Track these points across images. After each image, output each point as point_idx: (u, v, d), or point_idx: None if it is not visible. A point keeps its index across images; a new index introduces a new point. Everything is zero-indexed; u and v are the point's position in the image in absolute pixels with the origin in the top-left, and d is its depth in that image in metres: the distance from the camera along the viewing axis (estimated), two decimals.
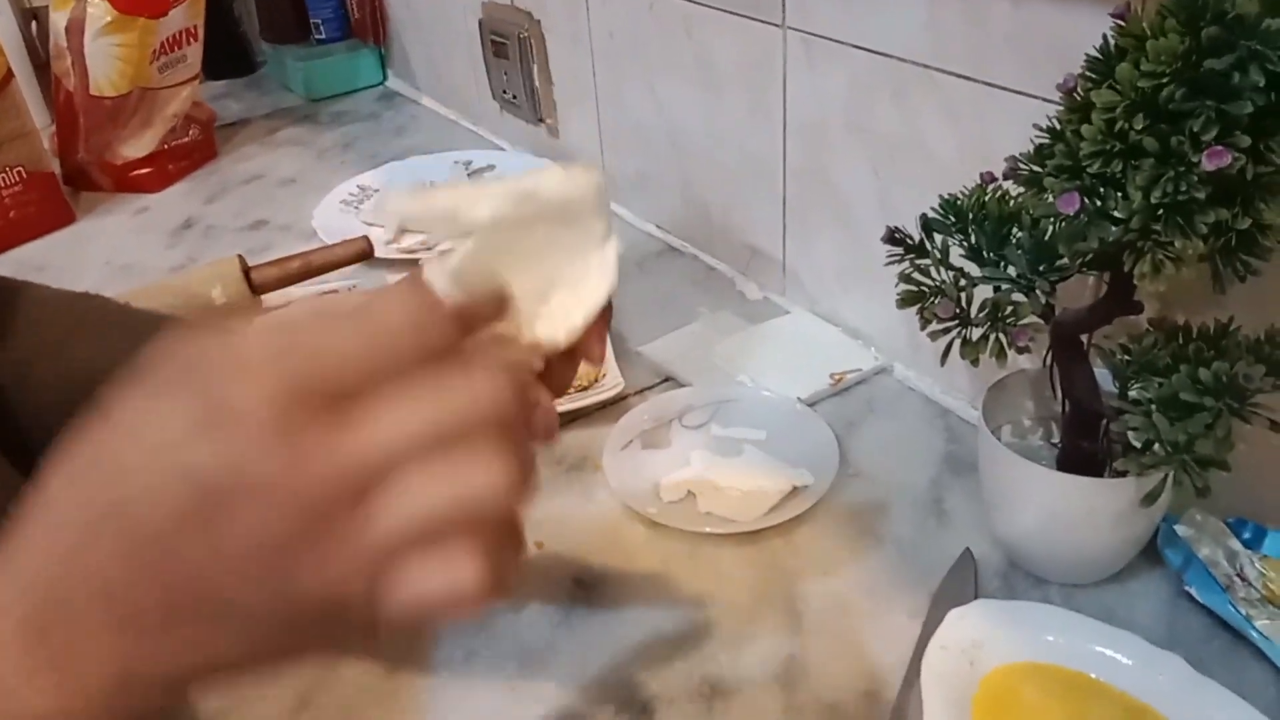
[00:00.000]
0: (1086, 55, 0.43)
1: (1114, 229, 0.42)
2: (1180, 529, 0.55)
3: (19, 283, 0.59)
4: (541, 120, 1.14)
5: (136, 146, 1.19)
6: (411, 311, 0.28)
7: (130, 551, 0.26)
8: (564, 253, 0.37)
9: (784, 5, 0.74)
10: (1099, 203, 0.42)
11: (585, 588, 0.60)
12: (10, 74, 1.04)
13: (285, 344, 0.26)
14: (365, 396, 0.26)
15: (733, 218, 0.90)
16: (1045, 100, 0.58)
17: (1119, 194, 0.41)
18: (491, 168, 1.15)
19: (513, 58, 1.12)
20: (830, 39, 0.71)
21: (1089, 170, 0.42)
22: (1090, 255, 0.47)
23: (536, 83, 1.11)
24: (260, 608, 0.26)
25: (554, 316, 0.37)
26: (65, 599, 0.26)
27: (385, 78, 1.51)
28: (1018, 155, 0.47)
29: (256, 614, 0.27)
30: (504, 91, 1.18)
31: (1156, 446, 0.46)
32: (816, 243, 0.81)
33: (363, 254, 0.89)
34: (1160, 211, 0.41)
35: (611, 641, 0.56)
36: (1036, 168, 0.46)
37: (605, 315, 0.37)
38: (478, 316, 0.30)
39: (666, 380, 0.78)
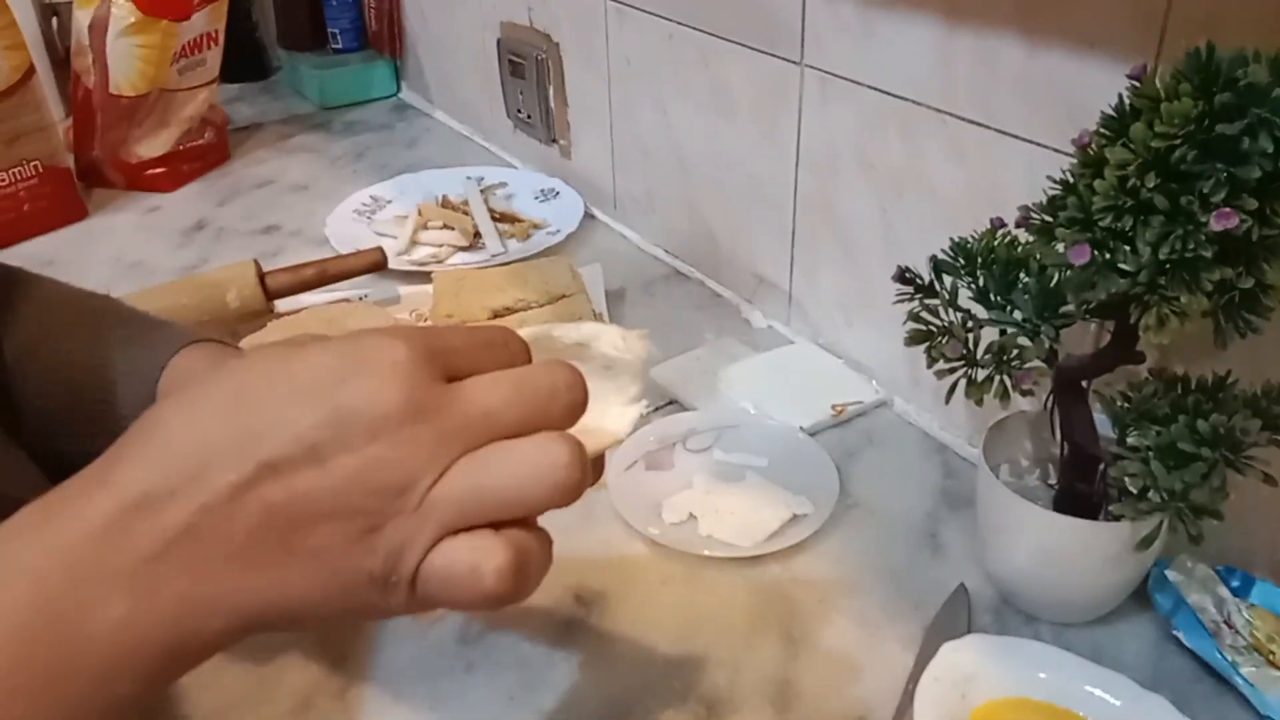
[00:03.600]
0: (1102, 113, 0.45)
1: (1122, 281, 0.43)
2: (1170, 574, 0.56)
3: (33, 275, 0.60)
4: (554, 140, 1.16)
5: (151, 146, 1.20)
6: (501, 330, 0.36)
7: (246, 477, 0.29)
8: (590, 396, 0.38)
9: (803, 43, 0.75)
10: (1109, 255, 0.44)
11: (585, 604, 0.61)
12: (32, 69, 1.05)
13: (416, 329, 0.33)
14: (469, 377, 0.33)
15: (740, 246, 0.91)
16: (1052, 150, 0.60)
17: (1128, 248, 0.43)
18: (504, 185, 1.16)
19: (529, 78, 1.14)
20: (845, 78, 0.73)
21: (1100, 224, 0.43)
22: (1096, 304, 0.49)
23: (552, 104, 1.13)
24: (334, 555, 0.30)
25: None
26: (166, 510, 0.29)
27: (399, 90, 1.53)
28: (1030, 205, 0.49)
29: (328, 562, 0.30)
30: (518, 110, 1.20)
31: (1152, 493, 0.48)
32: (821, 275, 0.82)
33: (376, 264, 0.90)
34: (1168, 267, 0.42)
35: (609, 658, 0.57)
36: (1048, 218, 0.47)
37: (598, 464, 0.39)
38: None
39: (671, 403, 0.79)
